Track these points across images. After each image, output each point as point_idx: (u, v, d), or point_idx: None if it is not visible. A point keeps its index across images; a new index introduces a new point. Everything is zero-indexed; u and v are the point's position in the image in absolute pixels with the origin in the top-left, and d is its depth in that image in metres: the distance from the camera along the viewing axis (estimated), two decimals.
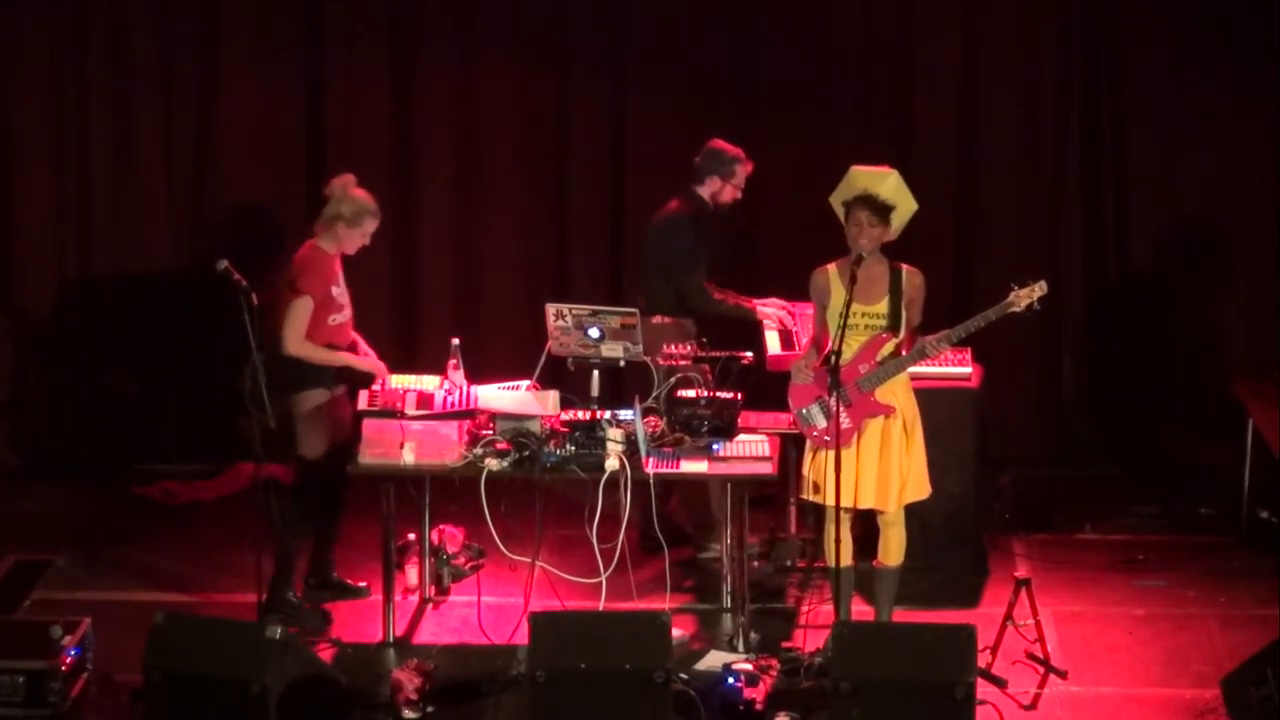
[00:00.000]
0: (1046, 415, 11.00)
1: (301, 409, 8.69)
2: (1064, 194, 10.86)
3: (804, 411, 8.30)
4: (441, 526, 9.19)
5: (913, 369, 8.35)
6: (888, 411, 8.21)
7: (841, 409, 8.10)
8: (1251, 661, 7.78)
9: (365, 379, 8.78)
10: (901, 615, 8.53)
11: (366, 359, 8.86)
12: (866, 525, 8.55)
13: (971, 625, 7.51)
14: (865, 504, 8.29)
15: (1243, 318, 10.74)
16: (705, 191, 9.37)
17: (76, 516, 10.27)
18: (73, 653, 7.83)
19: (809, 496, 8.40)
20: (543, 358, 8.80)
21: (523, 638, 8.00)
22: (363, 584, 9.11)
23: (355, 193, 8.75)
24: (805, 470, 8.39)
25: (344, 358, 8.78)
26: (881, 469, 8.25)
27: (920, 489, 8.37)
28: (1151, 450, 10.79)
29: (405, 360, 9.55)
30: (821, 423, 8.23)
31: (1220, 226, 10.73)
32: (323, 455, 8.76)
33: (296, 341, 8.63)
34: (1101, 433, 10.99)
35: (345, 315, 8.82)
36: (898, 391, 8.28)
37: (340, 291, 8.78)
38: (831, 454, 8.05)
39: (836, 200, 8.27)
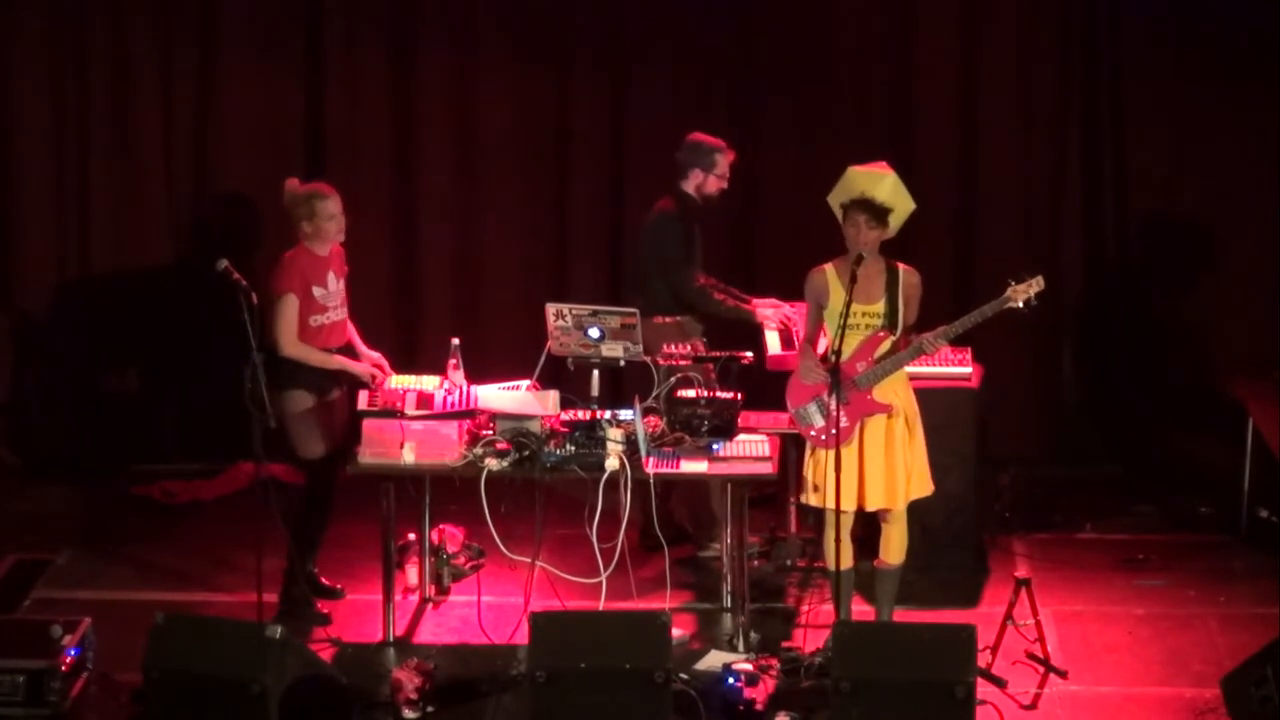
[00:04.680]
0: (1046, 415, 11.00)
1: (288, 410, 8.65)
2: (1064, 194, 10.85)
3: (801, 410, 8.29)
4: (441, 526, 9.18)
5: (913, 368, 8.35)
6: (885, 410, 8.21)
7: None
8: (1251, 661, 7.78)
9: (362, 383, 8.75)
10: (901, 615, 8.53)
11: (361, 364, 8.83)
12: (867, 525, 8.54)
13: (971, 625, 7.51)
14: (873, 505, 8.27)
15: (1243, 317, 10.73)
16: (690, 186, 9.35)
17: (76, 516, 10.27)
18: (73, 653, 7.83)
19: (809, 499, 8.38)
20: (543, 358, 8.79)
21: (523, 638, 8.00)
22: (338, 585, 9.09)
23: (300, 190, 8.70)
24: (805, 473, 8.38)
25: (340, 361, 8.77)
26: (887, 468, 8.24)
27: (924, 485, 8.37)
28: (1151, 450, 10.78)
29: (405, 360, 9.54)
30: (819, 421, 8.22)
31: (1220, 226, 10.73)
32: (321, 456, 8.74)
33: (290, 342, 8.61)
34: (1101, 433, 10.99)
35: (329, 318, 8.72)
36: (897, 389, 8.27)
37: (325, 294, 8.70)
38: (831, 456, 8.05)
39: (834, 201, 8.25)
